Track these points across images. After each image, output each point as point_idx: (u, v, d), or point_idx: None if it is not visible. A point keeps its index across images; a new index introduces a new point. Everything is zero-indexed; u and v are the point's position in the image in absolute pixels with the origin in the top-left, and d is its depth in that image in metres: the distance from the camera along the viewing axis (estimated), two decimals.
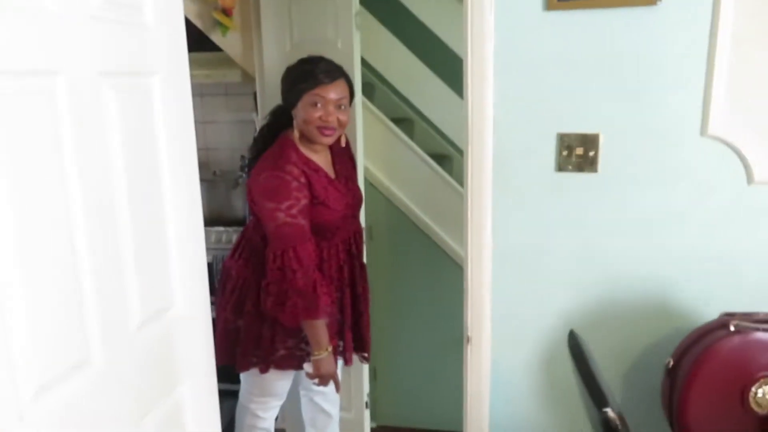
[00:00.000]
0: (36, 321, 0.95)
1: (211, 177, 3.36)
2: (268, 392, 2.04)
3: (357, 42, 2.46)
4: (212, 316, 1.55)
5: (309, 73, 1.82)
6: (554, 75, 1.59)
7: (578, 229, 1.67)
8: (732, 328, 1.39)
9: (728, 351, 1.37)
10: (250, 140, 3.31)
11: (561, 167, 1.63)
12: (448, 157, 3.35)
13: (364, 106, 2.69)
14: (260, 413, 2.09)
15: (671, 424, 1.49)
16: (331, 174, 1.94)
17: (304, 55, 1.94)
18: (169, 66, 1.35)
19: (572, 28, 1.56)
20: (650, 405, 1.67)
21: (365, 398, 2.70)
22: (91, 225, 1.08)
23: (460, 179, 2.93)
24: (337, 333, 1.99)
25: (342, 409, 2.42)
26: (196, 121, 1.43)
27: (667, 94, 1.55)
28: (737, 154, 1.55)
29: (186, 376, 1.41)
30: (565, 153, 1.61)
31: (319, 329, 1.82)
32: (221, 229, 3.06)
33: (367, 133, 2.70)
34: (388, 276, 2.83)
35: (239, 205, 3.22)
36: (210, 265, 2.82)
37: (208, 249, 1.44)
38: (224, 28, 2.70)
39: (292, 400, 2.23)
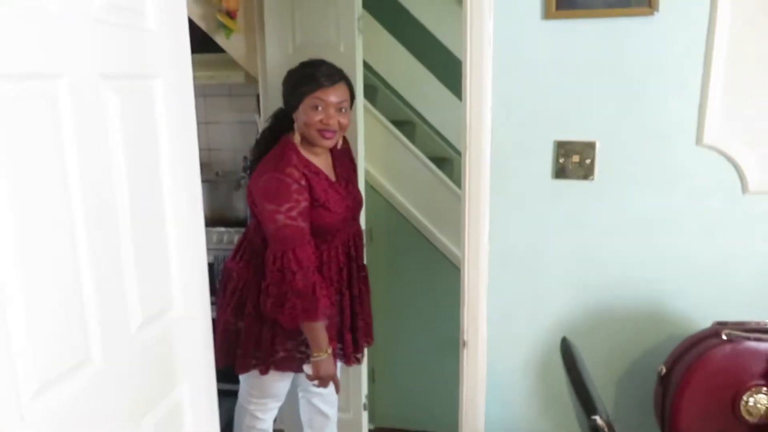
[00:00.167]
0: (36, 321, 0.96)
1: (213, 177, 3.38)
2: (267, 393, 2.05)
3: (359, 45, 2.47)
4: (213, 316, 1.56)
5: (310, 77, 1.83)
6: (552, 83, 1.61)
7: (574, 235, 1.68)
8: (724, 337, 1.40)
9: (720, 359, 1.38)
10: (252, 141, 3.33)
11: (558, 174, 1.64)
12: (449, 160, 3.36)
13: (366, 109, 2.70)
14: (259, 414, 2.10)
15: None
16: (332, 177, 1.95)
17: (306, 57, 1.95)
18: (172, 69, 1.35)
19: (570, 37, 1.57)
20: (643, 411, 1.68)
21: (363, 399, 2.72)
22: (92, 226, 1.08)
23: (460, 182, 2.95)
24: (336, 335, 2.00)
25: (340, 410, 2.43)
26: (198, 122, 1.44)
27: (664, 102, 1.57)
28: (732, 163, 1.56)
29: (185, 377, 1.42)
30: (562, 160, 1.63)
31: (319, 331, 1.83)
32: (222, 229, 3.07)
33: (368, 136, 2.70)
34: (387, 278, 2.84)
35: (241, 206, 3.24)
36: (211, 266, 2.84)
37: (209, 249, 1.44)
38: (228, 31, 2.72)
39: (290, 401, 2.25)
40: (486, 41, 1.59)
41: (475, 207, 1.67)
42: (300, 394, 2.25)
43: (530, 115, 1.64)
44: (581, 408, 1.05)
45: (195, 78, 1.42)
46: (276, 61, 2.59)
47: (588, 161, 1.61)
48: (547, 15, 1.56)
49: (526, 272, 1.73)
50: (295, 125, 1.90)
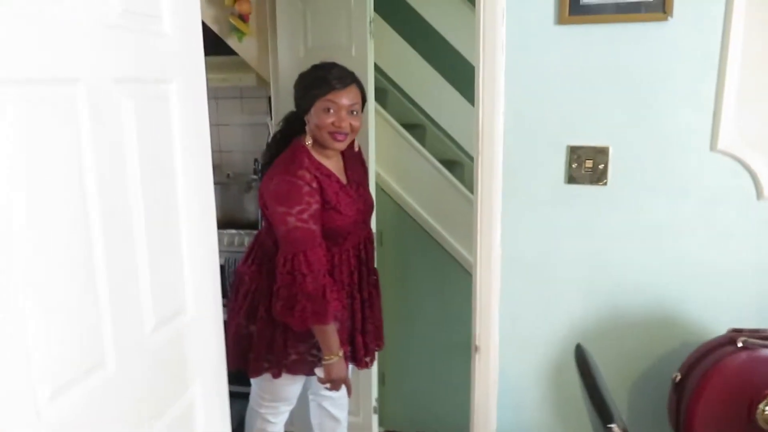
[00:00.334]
0: (53, 324, 0.96)
1: (224, 180, 3.39)
2: (279, 397, 2.05)
3: (371, 49, 2.48)
4: (224, 319, 1.57)
5: (322, 79, 1.84)
6: (565, 87, 1.60)
7: (587, 240, 1.68)
8: (740, 344, 1.39)
9: (736, 367, 1.37)
10: (263, 143, 3.36)
11: (570, 179, 1.64)
12: (459, 163, 3.35)
13: (376, 112, 2.71)
14: (270, 418, 2.10)
15: None
16: (343, 179, 1.96)
17: (318, 60, 1.96)
18: (186, 73, 1.36)
19: (583, 42, 1.57)
20: (656, 418, 1.67)
21: (373, 403, 2.72)
22: (107, 229, 1.09)
23: (471, 185, 2.92)
24: (347, 338, 2.00)
25: (350, 413, 2.43)
26: (210, 124, 1.44)
27: (678, 108, 1.56)
28: (747, 169, 1.55)
29: (197, 379, 1.42)
30: (574, 165, 1.62)
31: (330, 334, 1.83)
32: (233, 231, 3.09)
33: (378, 139, 2.71)
34: (397, 281, 2.84)
35: (252, 208, 3.25)
36: (222, 268, 2.85)
37: (220, 252, 1.45)
38: (240, 34, 2.73)
39: (301, 404, 2.25)
40: (499, 46, 1.58)
41: (487, 212, 1.67)
42: (310, 398, 2.25)
43: (543, 119, 1.64)
44: (597, 416, 1.05)
45: (207, 80, 1.43)
46: (288, 64, 2.60)
47: (601, 166, 1.60)
48: (560, 20, 1.55)
49: (538, 277, 1.73)
50: (307, 128, 1.91)
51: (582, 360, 1.21)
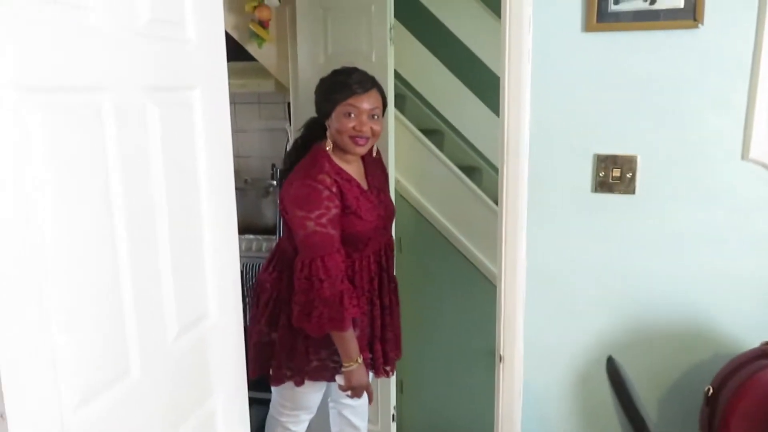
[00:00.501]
0: (79, 333, 0.96)
1: (242, 185, 3.40)
2: (300, 405, 2.05)
3: (391, 55, 2.48)
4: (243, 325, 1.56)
5: (343, 84, 1.84)
6: (592, 96, 1.59)
7: (614, 250, 1.65)
8: None
9: None
10: (281, 149, 3.38)
11: (597, 188, 1.62)
12: (478, 169, 3.33)
13: (395, 118, 2.70)
14: (291, 426, 2.09)
15: None
16: (364, 185, 1.95)
17: (338, 66, 1.96)
18: (209, 80, 1.36)
19: (611, 50, 1.55)
20: (687, 431, 1.64)
21: (392, 411, 2.70)
22: (133, 236, 1.09)
23: (489, 192, 2.94)
24: (367, 345, 1.99)
25: (368, 421, 2.42)
26: None
27: (708, 116, 1.53)
28: None
29: (218, 386, 1.42)
30: (602, 174, 1.60)
31: (348, 340, 1.82)
32: (251, 237, 3.09)
33: (397, 145, 2.70)
34: (415, 288, 2.83)
35: (269, 214, 3.25)
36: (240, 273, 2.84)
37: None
38: (260, 40, 2.74)
39: (320, 412, 2.24)
40: (525, 54, 1.57)
41: (512, 221, 1.65)
42: (330, 405, 2.24)
43: (569, 127, 1.62)
44: (632, 430, 1.02)
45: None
46: (308, 70, 2.61)
47: (629, 175, 1.58)
48: (587, 28, 1.54)
49: (564, 287, 1.70)
50: (328, 133, 1.91)
51: (614, 373, 1.18)
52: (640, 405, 1.09)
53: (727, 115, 1.52)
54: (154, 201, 1.16)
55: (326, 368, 1.94)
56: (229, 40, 2.70)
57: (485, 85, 3.26)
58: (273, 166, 3.44)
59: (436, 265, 2.88)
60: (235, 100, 3.39)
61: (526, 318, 1.73)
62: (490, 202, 2.88)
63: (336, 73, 1.91)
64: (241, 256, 2.84)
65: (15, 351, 0.84)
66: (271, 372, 1.98)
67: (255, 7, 2.66)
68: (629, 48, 1.54)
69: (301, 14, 2.59)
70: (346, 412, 2.21)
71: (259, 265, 3.09)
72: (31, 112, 0.87)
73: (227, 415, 1.45)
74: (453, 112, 3.35)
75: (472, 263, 2.87)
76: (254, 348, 1.97)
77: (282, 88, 3.00)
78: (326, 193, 1.79)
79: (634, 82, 1.55)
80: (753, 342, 1.49)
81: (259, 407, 2.24)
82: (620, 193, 1.60)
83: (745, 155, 1.53)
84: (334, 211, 1.79)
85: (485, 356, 2.90)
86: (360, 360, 1.85)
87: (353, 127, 1.82)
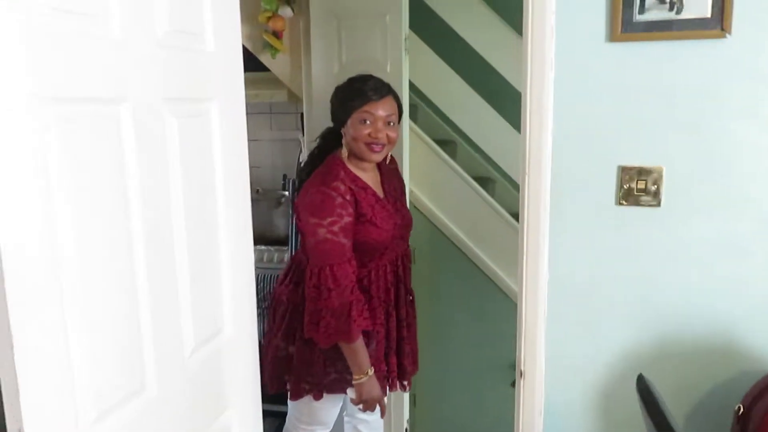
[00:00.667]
0: (97, 349, 0.96)
1: (253, 195, 3.37)
2: (317, 420, 2.02)
3: (406, 65, 2.48)
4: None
5: (358, 91, 1.85)
6: (616, 106, 1.56)
7: (639, 264, 1.62)
8: None
9: None
10: (293, 159, 3.37)
11: (622, 201, 1.59)
12: (491, 180, 3.31)
13: (409, 128, 2.69)
14: None
15: None
16: (380, 193, 1.94)
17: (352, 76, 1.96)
18: (227, 91, 1.36)
19: (635, 60, 1.53)
20: None
21: (405, 425, 2.67)
22: (151, 250, 1.08)
23: (503, 202, 2.93)
24: (384, 357, 1.96)
25: None
26: None
27: (736, 128, 1.51)
28: None
29: (233, 401, 1.40)
30: (626, 186, 1.57)
31: (358, 352, 1.79)
32: (263, 248, 3.07)
33: (411, 155, 2.69)
34: (429, 299, 2.80)
35: (281, 224, 3.23)
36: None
37: None
38: (274, 50, 2.73)
39: (336, 425, 2.20)
40: (547, 64, 1.55)
41: (533, 234, 1.62)
42: (346, 419, 2.21)
43: (592, 139, 1.59)
44: None
45: None
46: (322, 81, 2.60)
47: (654, 187, 1.55)
48: (612, 38, 1.51)
49: (587, 301, 1.67)
50: (343, 140, 1.90)
51: (646, 391, 1.15)
52: (676, 426, 1.05)
53: (754, 126, 1.50)
54: (171, 214, 1.15)
55: (344, 380, 1.91)
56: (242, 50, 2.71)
57: (500, 95, 3.24)
58: (285, 176, 3.42)
59: (450, 276, 2.86)
60: (246, 110, 3.39)
61: (548, 333, 1.70)
62: (505, 213, 2.86)
63: (352, 81, 1.91)
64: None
65: (33, 367, 0.83)
66: (288, 386, 1.95)
67: (269, 18, 2.66)
68: (654, 58, 1.52)
69: (315, 24, 2.58)
70: (361, 427, 2.18)
71: (271, 276, 3.07)
72: (51, 124, 0.86)
73: (242, 430, 1.43)
74: (467, 122, 3.33)
75: (486, 275, 2.85)
76: (272, 363, 1.95)
77: (294, 98, 2.99)
78: (339, 200, 1.78)
79: (660, 93, 1.53)
80: None
81: (272, 419, 2.21)
82: (645, 205, 1.57)
83: None
84: (347, 219, 1.78)
85: (500, 370, 2.88)
86: (371, 372, 1.82)
87: (369, 134, 1.82)
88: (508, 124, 3.21)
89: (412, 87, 2.94)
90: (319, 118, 2.64)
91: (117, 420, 1.01)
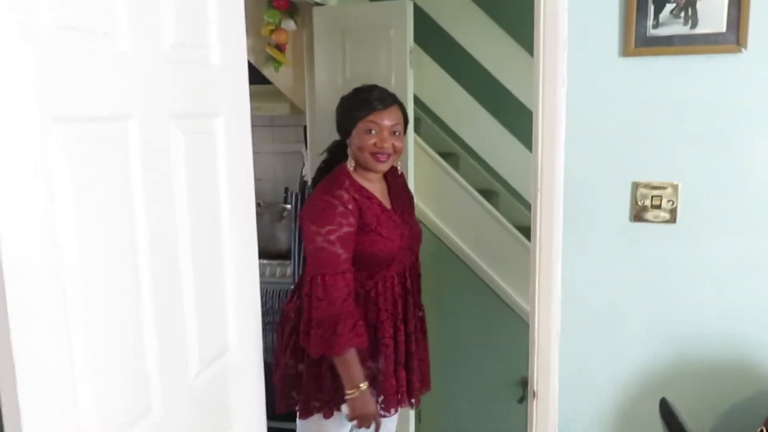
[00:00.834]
0: (102, 373, 0.94)
1: (255, 209, 3.35)
2: None
3: (410, 78, 2.47)
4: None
5: (363, 101, 1.84)
6: (630, 121, 1.54)
7: (654, 282, 1.59)
8: None
9: None
10: (294, 172, 3.34)
11: (636, 217, 1.56)
12: (495, 192, 3.29)
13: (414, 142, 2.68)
14: None
15: None
16: (387, 204, 1.92)
17: None
18: (233, 106, 1.35)
19: (649, 75, 1.51)
20: None
21: None
22: (156, 269, 1.06)
23: (507, 215, 2.91)
24: (393, 372, 1.92)
25: None
26: None
27: (753, 143, 1.48)
28: None
29: (239, 422, 1.38)
30: (641, 203, 1.54)
31: (349, 365, 1.75)
32: (265, 262, 3.03)
33: (416, 169, 2.67)
34: (434, 314, 2.75)
35: (283, 238, 3.20)
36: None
37: None
38: (277, 64, 2.72)
39: None
40: (560, 79, 1.53)
41: (546, 251, 1.60)
42: None
43: (606, 154, 1.57)
44: None
45: None
46: (325, 93, 2.59)
47: (670, 203, 1.52)
48: (625, 52, 1.49)
49: (602, 320, 1.64)
50: (349, 151, 1.89)
51: (669, 415, 1.11)
52: None
53: None
54: (177, 231, 1.14)
55: None
56: None
57: (505, 108, 3.23)
58: (286, 189, 3.40)
59: (455, 290, 2.84)
60: None
61: (562, 352, 1.67)
62: (510, 226, 2.84)
63: (357, 91, 1.91)
64: None
65: (35, 390, 0.81)
66: (298, 405, 1.91)
67: (272, 31, 2.65)
68: (669, 73, 1.50)
69: (318, 37, 2.57)
70: None
71: (273, 290, 3.04)
72: (58, 144, 0.84)
73: None
74: (471, 135, 3.32)
75: (491, 288, 2.83)
76: (281, 381, 1.92)
77: (297, 111, 2.98)
78: (341, 209, 1.76)
79: (674, 108, 1.51)
80: None
81: None
82: (660, 221, 1.54)
83: None
84: (347, 229, 1.76)
85: (507, 386, 2.85)
86: (363, 387, 1.77)
87: (374, 144, 1.81)
88: (513, 137, 3.20)
89: (416, 100, 2.93)
90: (322, 131, 2.63)
91: None
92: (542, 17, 1.52)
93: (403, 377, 1.94)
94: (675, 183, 1.53)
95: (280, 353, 1.95)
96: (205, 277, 1.22)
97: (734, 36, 1.42)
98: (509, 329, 2.82)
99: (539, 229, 1.60)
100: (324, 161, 2.03)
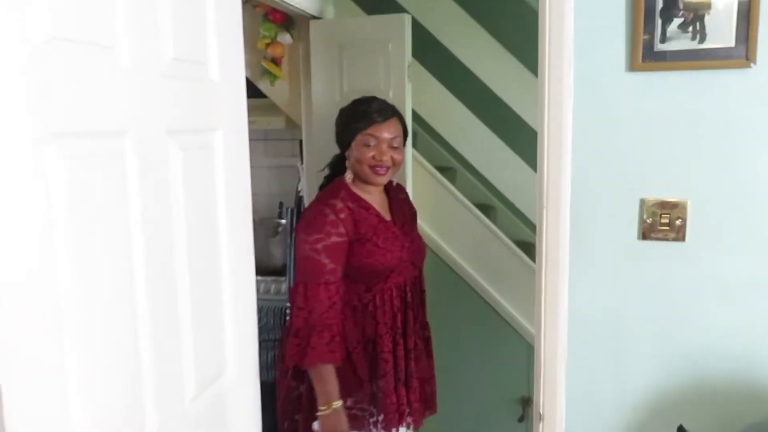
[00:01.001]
0: (97, 398, 0.90)
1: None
2: None
3: (409, 92, 2.45)
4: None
5: (362, 113, 1.83)
6: (638, 138, 1.52)
7: (663, 301, 1.56)
8: None
9: None
10: (289, 186, 3.30)
11: (644, 235, 1.53)
12: (492, 207, 3.26)
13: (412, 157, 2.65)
14: None
15: None
16: (386, 216, 1.90)
17: None
18: (231, 121, 1.32)
19: (657, 91, 1.49)
20: None
21: None
22: (153, 290, 1.03)
23: (504, 231, 2.88)
24: (394, 389, 1.86)
25: None
26: None
27: (762, 158, 1.46)
28: None
29: None
30: (649, 220, 1.51)
31: (323, 381, 1.72)
32: (259, 278, 2.98)
33: (414, 184, 2.65)
34: (432, 331, 2.72)
35: (278, 254, 3.15)
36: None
37: None
38: (273, 78, 2.69)
39: None
40: (566, 95, 1.50)
41: (552, 270, 1.56)
42: None
43: (613, 171, 1.54)
44: None
45: None
46: (322, 108, 2.56)
47: (678, 221, 1.49)
48: (632, 67, 1.47)
49: (609, 341, 1.61)
50: (348, 163, 1.88)
51: None
52: None
53: None
54: (174, 250, 1.10)
55: (354, 417, 1.83)
56: None
57: (503, 122, 3.21)
58: (281, 204, 3.36)
59: (451, 306, 2.79)
60: None
61: (569, 373, 1.63)
62: (509, 242, 2.81)
63: (356, 103, 1.89)
64: None
65: (30, 415, 0.78)
66: (299, 427, 1.87)
67: (268, 44, 2.62)
68: (677, 88, 1.47)
69: (315, 51, 2.54)
70: None
71: (267, 307, 2.99)
72: (52, 161, 0.81)
73: None
74: (469, 149, 3.30)
75: (491, 306, 2.80)
76: (284, 404, 1.88)
77: (292, 125, 2.95)
78: (331, 218, 1.75)
79: (683, 124, 1.48)
80: None
81: None
82: (669, 240, 1.51)
83: None
84: (335, 239, 1.74)
85: (506, 404, 2.81)
86: (336, 405, 1.73)
87: (373, 157, 1.80)
88: (511, 151, 3.17)
89: (414, 114, 2.91)
90: (319, 146, 2.60)
91: None
92: (547, 32, 1.50)
93: (404, 395, 1.89)
94: (684, 200, 1.50)
95: (282, 375, 1.91)
96: (202, 297, 1.19)
97: (743, 51, 1.40)
98: (509, 347, 2.79)
99: (545, 247, 1.56)
100: (326, 177, 2.01)
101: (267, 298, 2.98)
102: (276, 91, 2.78)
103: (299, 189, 2.93)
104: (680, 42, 1.43)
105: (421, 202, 2.72)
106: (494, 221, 3.08)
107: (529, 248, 2.97)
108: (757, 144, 1.46)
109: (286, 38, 2.62)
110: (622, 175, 1.54)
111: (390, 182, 1.98)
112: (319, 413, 1.74)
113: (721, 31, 1.40)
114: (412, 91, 2.55)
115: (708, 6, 1.41)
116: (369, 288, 1.82)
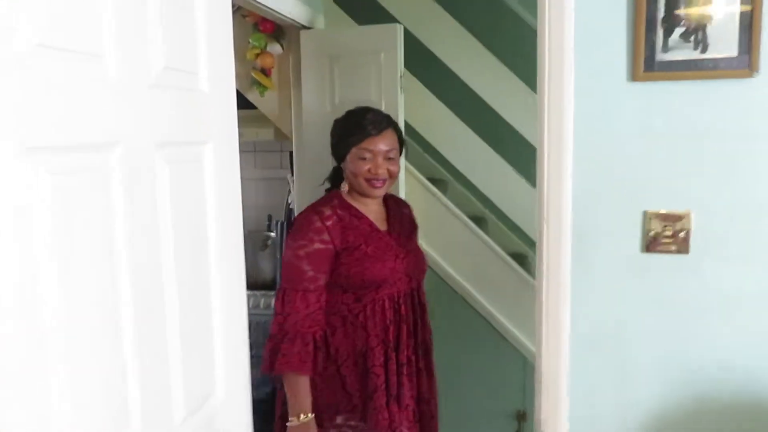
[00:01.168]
0: (81, 422, 0.86)
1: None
2: None
3: (401, 103, 2.42)
4: None
5: (357, 126, 1.80)
6: (640, 148, 1.49)
7: (667, 315, 1.53)
8: None
9: None
10: (278, 198, 3.26)
11: (647, 248, 1.50)
12: (484, 219, 3.23)
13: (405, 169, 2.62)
14: None
15: None
16: (382, 226, 1.87)
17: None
18: (221, 133, 1.28)
19: (659, 101, 1.46)
20: None
21: None
22: (140, 309, 0.99)
23: (497, 242, 2.85)
24: (386, 405, 1.80)
25: None
26: None
27: (766, 168, 1.44)
28: None
29: None
30: (652, 233, 1.49)
31: (295, 391, 1.71)
32: (248, 292, 2.91)
33: (407, 194, 2.62)
34: None
35: (268, 267, 3.11)
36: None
37: None
38: (262, 88, 2.65)
39: None
40: (566, 105, 1.47)
41: (554, 285, 1.53)
42: None
43: (616, 183, 1.52)
44: None
45: None
46: (313, 119, 2.52)
47: (682, 234, 1.47)
48: (634, 77, 1.45)
49: (612, 356, 1.57)
50: (344, 175, 1.86)
51: None
52: None
53: None
54: (162, 269, 1.06)
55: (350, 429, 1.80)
56: None
57: (495, 133, 3.18)
58: (270, 217, 3.31)
59: (444, 318, 2.73)
60: None
61: (571, 390, 1.59)
62: (503, 253, 2.78)
63: (350, 114, 1.87)
64: None
65: None
66: None
67: (257, 55, 2.58)
68: (679, 98, 1.45)
69: (306, 62, 2.51)
70: None
71: (257, 322, 2.93)
72: (37, 175, 0.77)
73: None
74: (462, 161, 3.27)
75: (483, 317, 2.77)
76: (280, 421, 1.82)
77: (281, 137, 2.91)
78: (317, 224, 1.73)
79: (686, 134, 1.46)
80: None
81: None
82: (673, 252, 1.49)
83: None
84: (318, 245, 1.72)
85: (501, 418, 2.77)
86: (304, 419, 1.70)
87: (369, 170, 1.77)
88: (505, 162, 3.14)
89: (405, 125, 2.88)
90: (309, 157, 2.56)
91: None
92: (547, 42, 1.47)
93: (395, 412, 1.82)
94: (687, 212, 1.47)
95: (280, 392, 1.86)
96: (191, 315, 1.15)
97: (746, 60, 1.38)
98: (503, 360, 2.75)
99: (546, 261, 1.53)
100: (327, 190, 1.97)
101: (256, 313, 2.91)
102: (265, 102, 2.74)
103: (289, 201, 2.88)
104: (682, 52, 1.41)
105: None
106: (486, 233, 3.05)
107: (522, 259, 2.95)
108: (761, 154, 1.44)
109: (276, 48, 2.58)
110: (624, 186, 1.51)
111: (392, 195, 1.96)
112: (288, 424, 1.72)
113: (724, 40, 1.39)
114: (405, 101, 2.53)
115: (709, 16, 1.40)
116: (359, 298, 1.77)
